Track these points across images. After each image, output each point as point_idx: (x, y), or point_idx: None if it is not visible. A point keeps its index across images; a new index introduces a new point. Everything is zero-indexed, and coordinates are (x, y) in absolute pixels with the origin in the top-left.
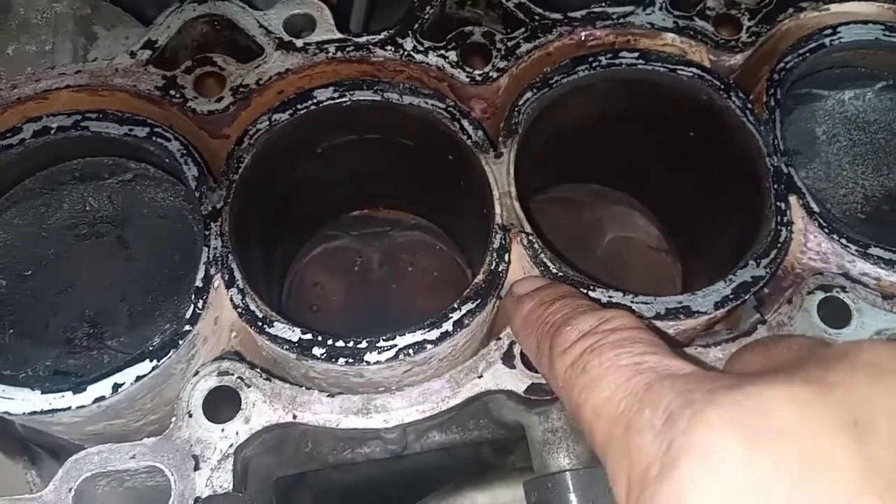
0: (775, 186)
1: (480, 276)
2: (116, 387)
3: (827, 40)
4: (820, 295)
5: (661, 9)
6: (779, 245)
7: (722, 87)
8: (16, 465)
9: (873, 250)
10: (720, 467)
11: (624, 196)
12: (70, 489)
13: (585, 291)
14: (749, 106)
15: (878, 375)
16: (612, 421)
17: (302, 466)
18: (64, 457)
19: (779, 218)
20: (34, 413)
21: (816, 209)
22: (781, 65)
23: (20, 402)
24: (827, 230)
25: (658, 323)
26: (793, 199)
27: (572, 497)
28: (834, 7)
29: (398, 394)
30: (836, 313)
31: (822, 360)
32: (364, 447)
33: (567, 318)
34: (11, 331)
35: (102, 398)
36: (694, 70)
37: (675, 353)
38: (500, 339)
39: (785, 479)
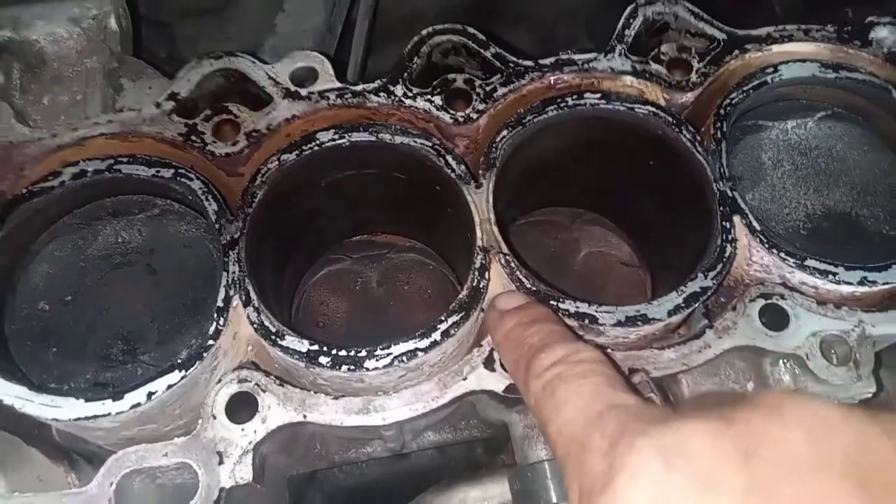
0: (721, 208)
1: (464, 292)
2: (150, 395)
3: (769, 77)
4: (761, 302)
5: (620, 55)
6: (724, 259)
7: (674, 122)
8: (58, 468)
9: (809, 262)
10: (644, 483)
11: (598, 217)
12: (111, 483)
13: (555, 304)
14: (698, 138)
15: (773, 413)
16: (571, 440)
17: (311, 465)
18: (97, 463)
19: (724, 236)
20: (79, 419)
21: (758, 227)
22: (727, 101)
23: (67, 409)
24: (767, 245)
25: (620, 329)
26: (737, 218)
27: (550, 483)
28: (776, 47)
29: (394, 395)
30: (775, 318)
31: (736, 402)
32: (367, 447)
33: (543, 343)
34: (55, 349)
35: (138, 405)
36: (649, 108)
37: (626, 386)
38: (481, 346)
39: (691, 495)
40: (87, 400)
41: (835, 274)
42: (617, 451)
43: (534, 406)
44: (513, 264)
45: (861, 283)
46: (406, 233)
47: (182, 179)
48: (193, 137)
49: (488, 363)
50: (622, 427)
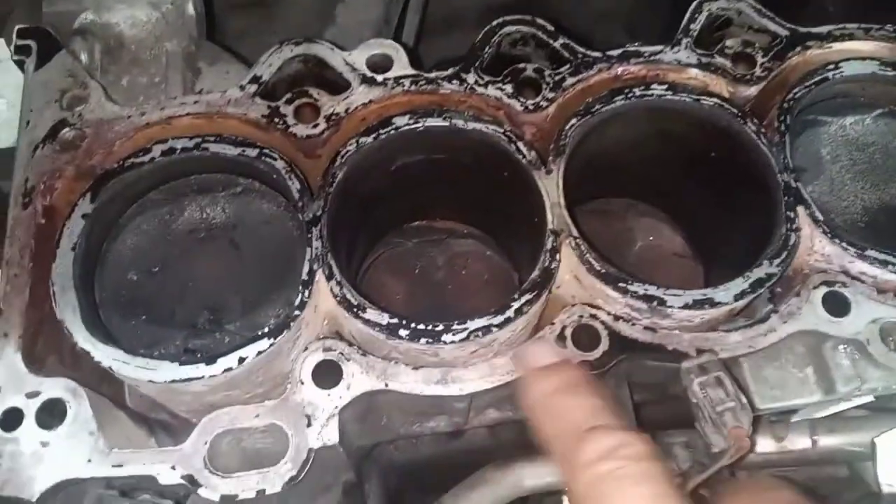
0: (785, 198)
1: (536, 273)
2: (241, 360)
3: (830, 74)
4: (823, 289)
5: (686, 48)
6: (789, 247)
7: (739, 114)
8: (141, 431)
9: (869, 252)
10: None
11: (651, 208)
12: (206, 442)
13: (624, 285)
14: (762, 130)
15: None
16: None
17: (377, 437)
18: (170, 433)
19: (788, 225)
20: (175, 381)
21: (821, 218)
22: (791, 95)
23: (163, 371)
24: (830, 235)
25: (687, 312)
26: (800, 209)
27: None
28: (836, 45)
29: (470, 367)
30: (837, 305)
31: None
32: (431, 421)
33: (589, 424)
34: (143, 317)
35: (230, 369)
36: (715, 100)
37: (678, 491)
38: (553, 324)
39: None
40: (181, 364)
41: (894, 264)
42: None
43: (579, 497)
44: (583, 247)
45: None
46: (465, 220)
47: (266, 159)
48: (276, 119)
49: (560, 340)
50: None
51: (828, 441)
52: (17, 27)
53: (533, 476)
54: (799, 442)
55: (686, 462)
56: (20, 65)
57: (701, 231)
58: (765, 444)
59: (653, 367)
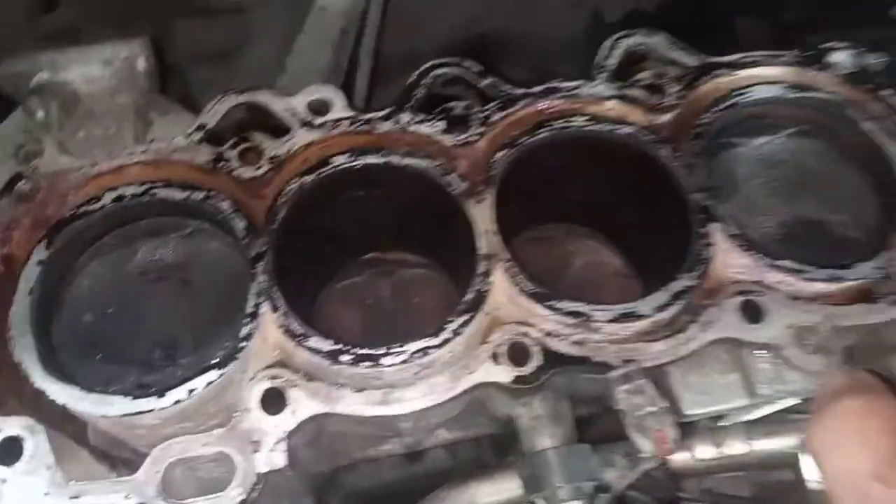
0: (700, 216)
1: (469, 295)
2: (191, 391)
3: (739, 99)
4: (740, 298)
5: (603, 82)
6: (702, 261)
7: (654, 140)
8: (102, 466)
9: (782, 262)
10: None
11: (590, 231)
12: (157, 471)
13: (552, 303)
14: (677, 154)
15: None
16: None
17: (334, 461)
18: (133, 469)
19: (701, 241)
20: (127, 414)
21: (736, 232)
22: (702, 120)
23: (117, 406)
24: (745, 248)
25: (613, 325)
26: (716, 225)
27: (555, 468)
28: (744, 72)
29: (410, 387)
30: (753, 312)
31: None
32: (385, 444)
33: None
34: (100, 356)
35: (180, 401)
36: (631, 128)
37: None
38: (488, 342)
39: None
40: (134, 398)
41: (805, 272)
42: None
43: None
44: (514, 270)
45: (829, 280)
46: (413, 249)
47: (212, 201)
48: (221, 164)
49: (494, 358)
50: None
51: (763, 444)
52: None
53: (487, 493)
54: (736, 447)
55: (624, 469)
56: None
57: (635, 250)
58: (705, 451)
59: (590, 381)
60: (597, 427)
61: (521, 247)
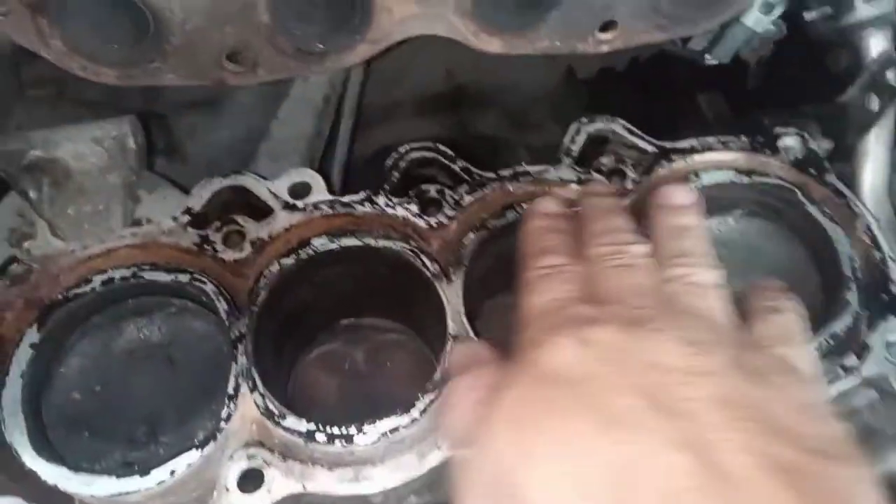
0: None
1: (437, 375)
2: (172, 472)
3: (692, 184)
4: None
5: (567, 166)
6: None
7: None
8: None
9: None
10: None
11: None
12: None
13: None
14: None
15: None
16: None
17: None
18: None
19: None
20: (113, 494)
21: None
22: None
23: (103, 486)
24: None
25: None
26: None
27: None
28: (697, 157)
29: (379, 466)
30: None
31: None
32: None
33: None
34: (87, 433)
35: (163, 481)
36: None
37: None
38: None
39: None
40: (118, 477)
41: None
42: None
43: None
44: None
45: None
46: (387, 316)
47: (196, 283)
48: (206, 246)
49: None
50: None
51: None
52: None
53: None
54: None
55: None
56: None
57: None
58: None
59: None
60: None
61: (487, 311)
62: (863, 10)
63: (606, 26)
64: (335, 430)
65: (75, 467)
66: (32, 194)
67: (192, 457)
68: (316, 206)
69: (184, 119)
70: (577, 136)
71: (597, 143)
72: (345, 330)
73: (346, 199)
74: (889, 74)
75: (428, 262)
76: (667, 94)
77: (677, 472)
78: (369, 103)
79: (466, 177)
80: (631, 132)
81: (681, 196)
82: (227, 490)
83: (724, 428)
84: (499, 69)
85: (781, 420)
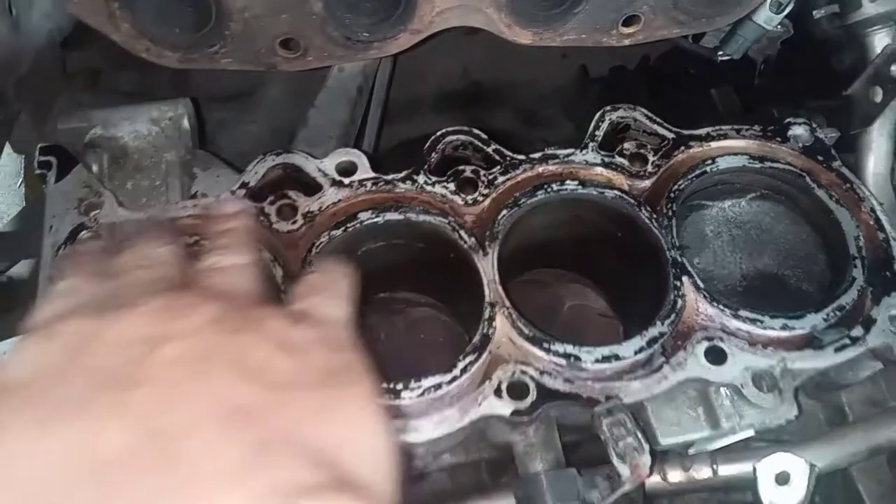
0: (673, 270)
1: (477, 338)
2: None
3: (708, 168)
4: (705, 343)
5: (592, 150)
6: (676, 310)
7: (635, 203)
8: None
9: (742, 312)
10: None
11: (578, 277)
12: None
13: (548, 345)
14: (654, 216)
15: None
16: None
17: None
18: None
19: (676, 292)
20: None
21: (702, 286)
22: (676, 186)
23: None
24: (709, 299)
25: (597, 365)
26: (686, 278)
27: (546, 490)
28: (714, 144)
29: (424, 418)
30: (716, 356)
31: None
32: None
33: None
34: None
35: None
36: (616, 192)
37: None
38: (491, 379)
39: None
40: None
41: (762, 321)
42: None
43: None
44: (513, 315)
45: (782, 328)
46: (422, 290)
47: None
48: (261, 218)
49: (497, 393)
50: None
51: (726, 469)
52: (39, 146)
53: None
54: (703, 471)
55: (606, 490)
56: (42, 178)
57: (618, 295)
58: (675, 475)
59: (577, 413)
60: (580, 452)
61: (517, 288)
62: (869, 8)
63: (629, 21)
64: (383, 385)
65: None
66: (94, 168)
67: None
68: (361, 182)
69: (216, 112)
70: (601, 123)
71: (619, 130)
72: (380, 302)
73: (388, 176)
74: (893, 68)
75: (465, 235)
76: (677, 91)
77: (110, 443)
78: (394, 98)
79: (499, 158)
80: (651, 120)
81: (227, 207)
82: None
83: (176, 383)
84: (513, 67)
85: (252, 362)
